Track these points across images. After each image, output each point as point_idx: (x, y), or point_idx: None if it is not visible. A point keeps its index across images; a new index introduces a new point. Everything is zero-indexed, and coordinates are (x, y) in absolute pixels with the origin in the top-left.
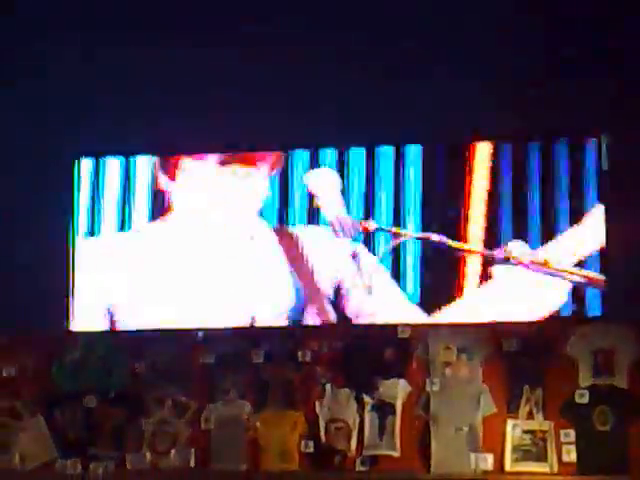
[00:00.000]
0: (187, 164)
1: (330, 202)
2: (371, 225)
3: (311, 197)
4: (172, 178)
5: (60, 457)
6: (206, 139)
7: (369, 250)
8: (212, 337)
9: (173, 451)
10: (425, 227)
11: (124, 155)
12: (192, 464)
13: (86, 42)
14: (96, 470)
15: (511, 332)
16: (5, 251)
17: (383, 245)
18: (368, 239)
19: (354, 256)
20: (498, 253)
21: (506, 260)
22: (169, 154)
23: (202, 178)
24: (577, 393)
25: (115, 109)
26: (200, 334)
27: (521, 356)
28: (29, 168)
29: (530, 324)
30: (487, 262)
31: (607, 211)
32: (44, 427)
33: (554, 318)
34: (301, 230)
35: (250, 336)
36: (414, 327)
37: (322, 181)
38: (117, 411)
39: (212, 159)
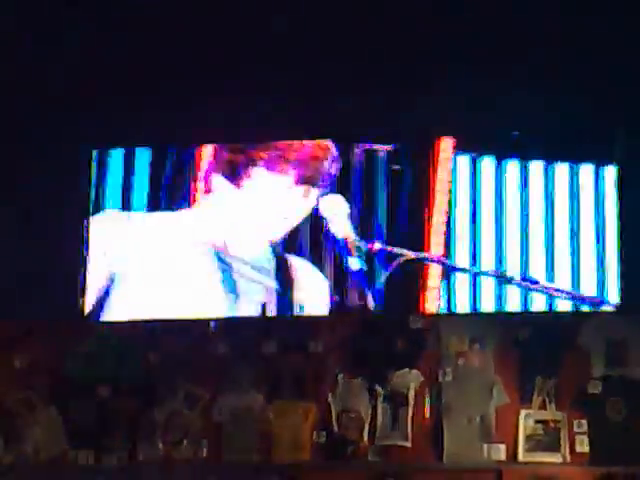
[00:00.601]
0: (260, 175)
1: (340, 225)
2: (376, 246)
3: (320, 220)
4: (238, 185)
5: (73, 448)
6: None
7: (373, 268)
8: (224, 327)
9: (185, 442)
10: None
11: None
12: (204, 455)
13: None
14: (109, 461)
15: (524, 322)
16: (20, 242)
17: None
18: (372, 258)
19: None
20: (494, 273)
21: (504, 280)
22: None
23: (272, 192)
24: (590, 383)
25: (135, 99)
26: (212, 324)
27: (534, 346)
28: (44, 160)
29: (543, 314)
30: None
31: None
32: (57, 418)
33: (567, 309)
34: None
35: (262, 326)
36: (426, 317)
37: (333, 206)
38: (130, 402)
39: (290, 177)
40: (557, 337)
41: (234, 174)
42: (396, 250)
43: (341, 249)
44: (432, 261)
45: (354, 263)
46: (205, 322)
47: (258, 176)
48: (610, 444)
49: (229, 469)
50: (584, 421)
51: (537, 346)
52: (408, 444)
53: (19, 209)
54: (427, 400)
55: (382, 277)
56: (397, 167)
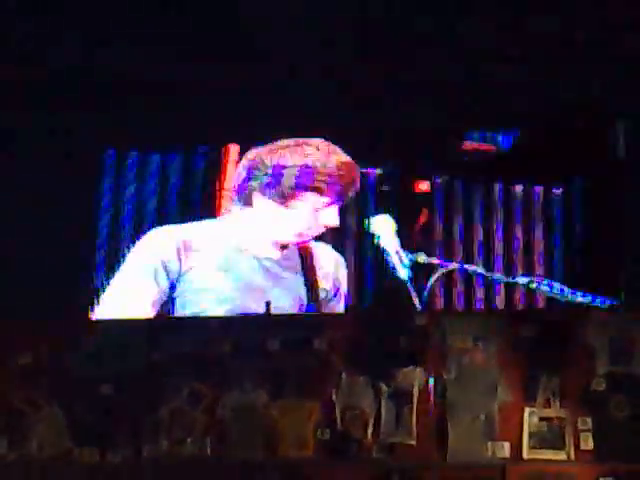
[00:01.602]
0: (310, 197)
1: (389, 241)
2: (421, 258)
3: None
4: (286, 205)
5: (76, 445)
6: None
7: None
8: (228, 325)
9: (189, 440)
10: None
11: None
12: (208, 452)
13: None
14: (113, 458)
15: (528, 320)
16: (24, 240)
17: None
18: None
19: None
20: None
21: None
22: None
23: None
24: (595, 381)
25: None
26: (216, 322)
27: (538, 344)
28: (52, 159)
29: (547, 311)
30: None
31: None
32: (60, 415)
33: (572, 306)
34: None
35: (266, 324)
36: (431, 314)
37: (382, 225)
38: (133, 400)
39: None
40: (561, 335)
41: (282, 196)
42: (437, 262)
43: (391, 261)
44: (472, 272)
45: (403, 273)
46: (209, 320)
47: (308, 199)
48: (615, 441)
49: (233, 466)
50: (588, 419)
51: (541, 344)
52: (413, 442)
53: (24, 206)
54: (431, 398)
55: (428, 285)
56: (385, 188)
